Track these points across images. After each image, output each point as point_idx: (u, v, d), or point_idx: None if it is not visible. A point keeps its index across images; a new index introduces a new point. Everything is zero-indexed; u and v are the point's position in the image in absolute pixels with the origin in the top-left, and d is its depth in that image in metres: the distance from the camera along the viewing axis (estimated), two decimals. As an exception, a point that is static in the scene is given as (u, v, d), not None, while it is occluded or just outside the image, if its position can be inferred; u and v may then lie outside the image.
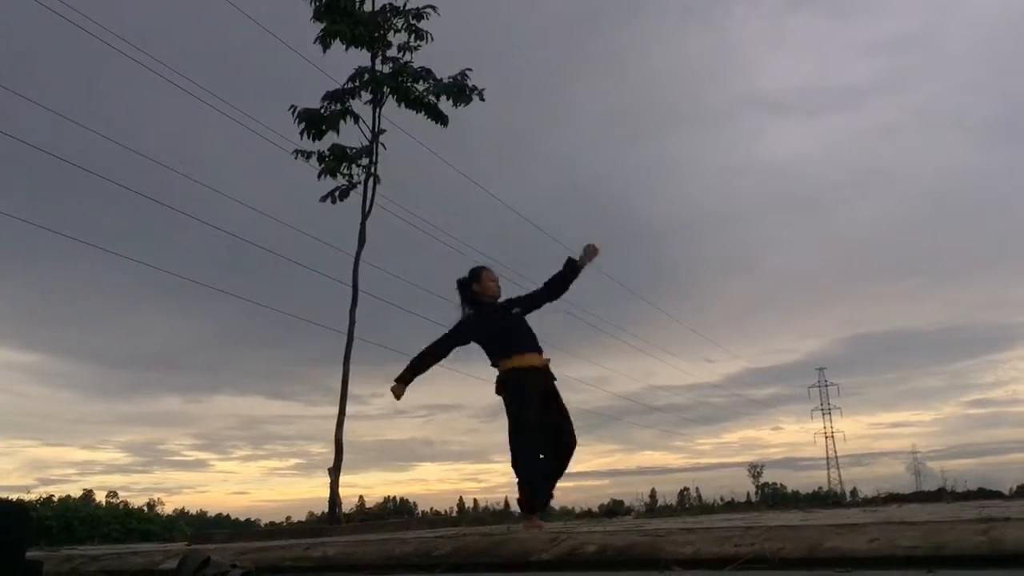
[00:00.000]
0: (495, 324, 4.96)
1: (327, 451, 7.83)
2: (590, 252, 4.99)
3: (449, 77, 8.50)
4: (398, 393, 4.90)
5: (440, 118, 8.71)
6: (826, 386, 67.23)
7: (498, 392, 4.83)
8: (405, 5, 8.49)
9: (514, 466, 4.67)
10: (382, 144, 8.54)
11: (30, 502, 12.48)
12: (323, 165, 8.45)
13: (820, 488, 54.69)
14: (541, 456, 4.73)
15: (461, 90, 8.46)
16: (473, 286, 5.06)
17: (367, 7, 8.45)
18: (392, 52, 8.53)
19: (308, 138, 8.45)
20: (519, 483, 4.67)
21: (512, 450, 4.68)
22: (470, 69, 8.54)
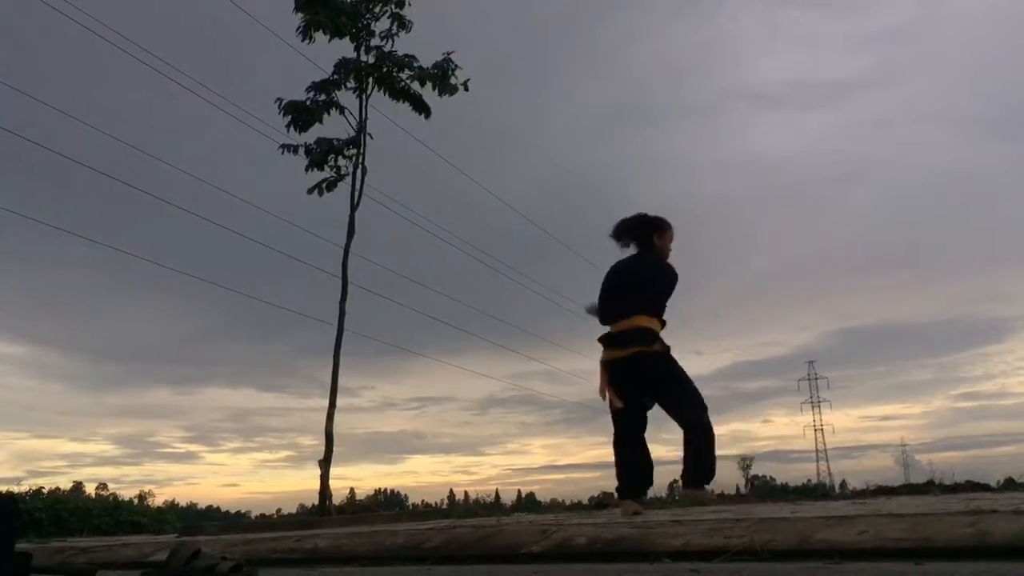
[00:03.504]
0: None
1: (318, 443, 7.83)
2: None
3: (434, 67, 8.45)
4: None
5: (423, 108, 8.66)
6: (816, 379, 67.90)
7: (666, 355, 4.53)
8: None
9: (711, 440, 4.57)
10: (369, 135, 8.49)
11: (19, 494, 12.40)
12: (310, 158, 8.40)
13: (809, 480, 55.08)
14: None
15: (445, 75, 8.41)
16: (654, 237, 4.75)
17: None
18: (375, 41, 8.47)
19: (295, 130, 8.40)
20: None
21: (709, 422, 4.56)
22: (452, 52, 8.50)
